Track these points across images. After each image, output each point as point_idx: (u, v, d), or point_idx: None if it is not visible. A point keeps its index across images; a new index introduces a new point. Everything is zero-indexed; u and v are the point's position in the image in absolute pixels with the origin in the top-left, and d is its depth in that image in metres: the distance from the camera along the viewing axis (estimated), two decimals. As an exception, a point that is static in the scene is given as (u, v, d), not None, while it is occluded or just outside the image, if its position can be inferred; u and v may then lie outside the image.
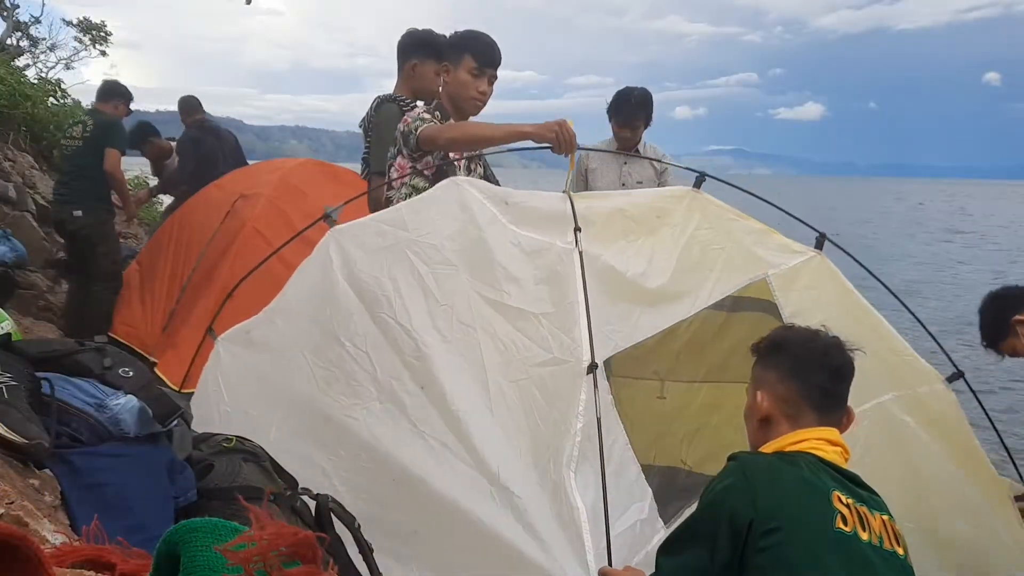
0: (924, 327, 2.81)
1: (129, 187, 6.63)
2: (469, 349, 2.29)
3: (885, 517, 1.63)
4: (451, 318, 2.33)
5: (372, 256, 2.46)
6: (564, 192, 2.58)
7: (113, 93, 5.81)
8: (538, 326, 2.28)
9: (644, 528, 2.07)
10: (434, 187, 2.64)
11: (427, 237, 2.44)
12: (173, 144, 6.96)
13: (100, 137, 5.39)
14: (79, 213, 5.31)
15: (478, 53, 2.94)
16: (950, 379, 2.65)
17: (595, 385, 2.10)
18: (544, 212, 2.51)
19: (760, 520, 1.51)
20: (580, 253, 2.33)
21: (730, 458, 1.67)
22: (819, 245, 2.74)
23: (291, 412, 2.50)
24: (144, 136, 6.83)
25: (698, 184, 2.69)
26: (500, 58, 2.99)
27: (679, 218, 2.62)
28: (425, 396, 2.29)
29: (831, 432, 1.71)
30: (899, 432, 2.59)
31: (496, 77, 3.01)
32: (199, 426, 2.42)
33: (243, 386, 2.60)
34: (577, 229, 2.38)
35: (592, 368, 2.13)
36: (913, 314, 2.78)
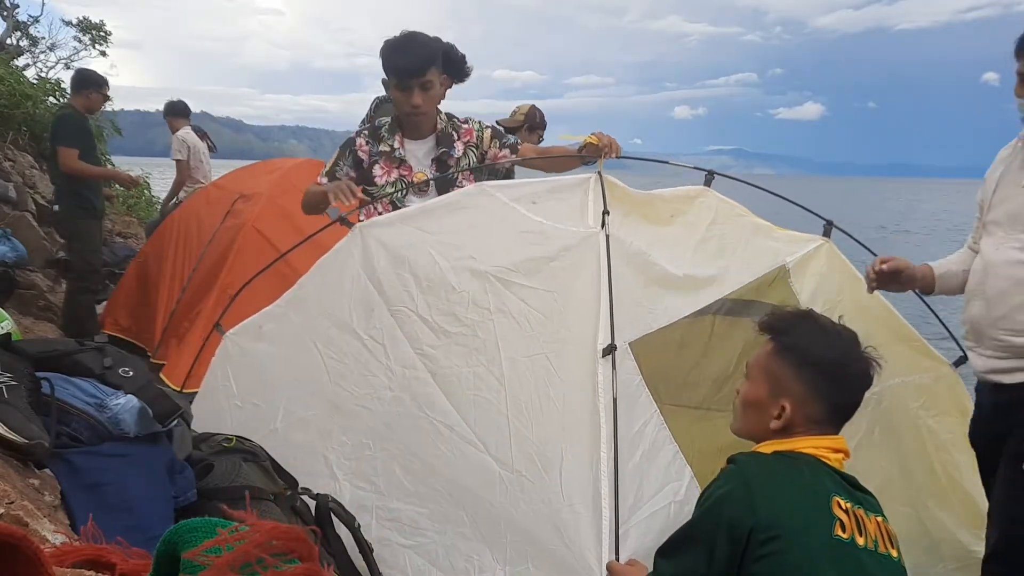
0: (934, 313, 2.82)
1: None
2: (484, 331, 2.30)
3: (880, 519, 1.62)
4: (467, 303, 2.34)
5: (395, 254, 2.49)
6: (597, 172, 2.54)
7: (84, 83, 5.42)
8: (552, 302, 2.28)
9: (682, 509, 2.05)
10: (461, 192, 2.66)
11: (450, 237, 2.46)
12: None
13: (52, 136, 5.52)
14: (56, 207, 5.65)
15: (389, 69, 2.81)
16: (956, 363, 2.66)
17: (613, 367, 2.08)
18: (571, 201, 2.51)
19: (759, 528, 1.49)
20: (607, 236, 2.30)
21: (729, 460, 1.65)
22: (827, 233, 2.77)
23: (298, 403, 2.52)
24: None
25: (708, 182, 2.74)
26: (418, 65, 2.75)
27: (693, 216, 2.66)
28: (437, 384, 2.30)
29: (838, 441, 1.69)
30: (902, 418, 2.58)
31: (431, 82, 2.78)
32: (208, 419, 2.45)
33: (252, 378, 2.62)
34: (606, 212, 2.36)
35: (611, 350, 2.10)
36: (923, 299, 2.77)
